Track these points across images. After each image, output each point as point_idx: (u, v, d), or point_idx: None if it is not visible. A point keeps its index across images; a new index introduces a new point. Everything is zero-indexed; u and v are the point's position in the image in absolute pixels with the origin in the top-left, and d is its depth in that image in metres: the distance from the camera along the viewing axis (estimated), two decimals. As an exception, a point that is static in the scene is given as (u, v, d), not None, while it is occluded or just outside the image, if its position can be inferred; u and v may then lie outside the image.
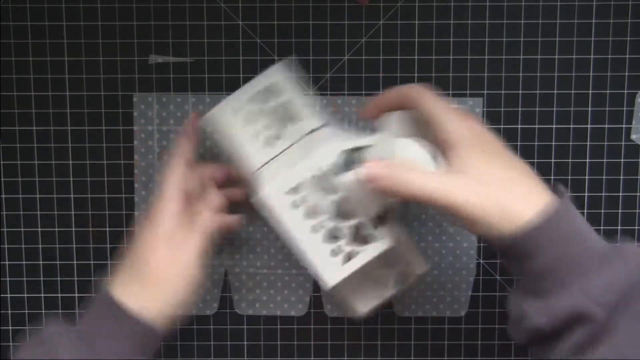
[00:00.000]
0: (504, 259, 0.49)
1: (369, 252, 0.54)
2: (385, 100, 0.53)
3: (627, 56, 0.62)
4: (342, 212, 0.54)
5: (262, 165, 0.56)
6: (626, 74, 0.62)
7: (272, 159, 0.56)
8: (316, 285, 0.64)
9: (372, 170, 0.49)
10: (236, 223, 0.60)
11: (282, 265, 0.64)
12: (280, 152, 0.56)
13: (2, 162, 0.63)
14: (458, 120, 0.49)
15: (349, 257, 0.54)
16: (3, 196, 0.63)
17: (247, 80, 0.61)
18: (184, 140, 0.58)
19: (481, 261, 0.63)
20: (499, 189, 0.47)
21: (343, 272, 0.54)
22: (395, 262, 0.58)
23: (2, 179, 0.63)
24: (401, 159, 0.50)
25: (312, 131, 0.56)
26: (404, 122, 0.53)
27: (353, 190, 0.53)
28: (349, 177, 0.52)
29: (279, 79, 0.56)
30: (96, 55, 0.62)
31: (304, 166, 0.54)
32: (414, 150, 0.50)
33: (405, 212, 0.62)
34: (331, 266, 0.54)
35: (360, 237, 0.54)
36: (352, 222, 0.54)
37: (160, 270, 0.54)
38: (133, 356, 0.52)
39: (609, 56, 0.62)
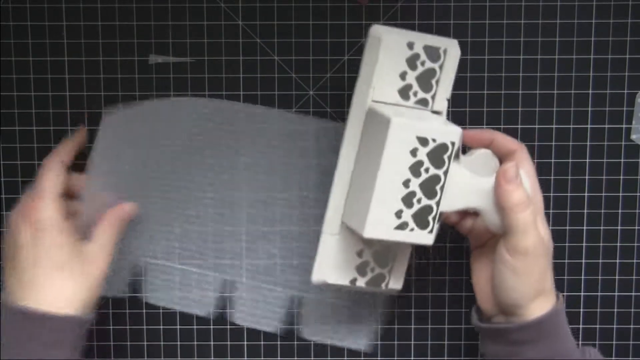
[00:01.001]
0: (488, 333, 0.58)
1: (411, 236, 0.53)
2: (488, 137, 0.58)
3: (627, 56, 0.62)
4: (431, 191, 0.53)
5: (382, 102, 0.55)
6: (626, 74, 0.62)
7: (393, 104, 0.55)
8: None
9: (513, 173, 0.54)
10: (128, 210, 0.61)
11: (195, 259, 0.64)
12: (403, 105, 0.55)
13: (2, 162, 0.63)
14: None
15: (399, 225, 0.53)
16: (3, 196, 0.63)
17: (247, 80, 0.62)
18: (67, 143, 0.60)
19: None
20: (537, 283, 0.55)
21: (383, 232, 0.53)
22: (384, 263, 0.58)
23: (2, 179, 0.63)
24: None
25: (434, 112, 0.56)
26: (486, 159, 0.57)
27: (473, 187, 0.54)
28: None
29: (452, 50, 0.56)
30: (96, 55, 0.62)
31: (439, 129, 0.52)
32: (526, 182, 0.55)
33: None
34: (381, 221, 0.52)
35: (420, 218, 0.53)
36: (433, 201, 0.53)
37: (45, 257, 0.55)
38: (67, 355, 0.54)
39: (609, 56, 0.62)
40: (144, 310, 0.64)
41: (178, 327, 0.64)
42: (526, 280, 0.54)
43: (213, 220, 0.62)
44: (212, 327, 0.64)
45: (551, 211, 0.63)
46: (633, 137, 0.63)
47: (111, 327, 0.64)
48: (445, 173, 0.53)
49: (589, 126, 0.63)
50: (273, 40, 0.62)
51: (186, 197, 0.62)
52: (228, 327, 0.64)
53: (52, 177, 0.57)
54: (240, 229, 0.63)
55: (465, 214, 0.57)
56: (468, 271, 0.64)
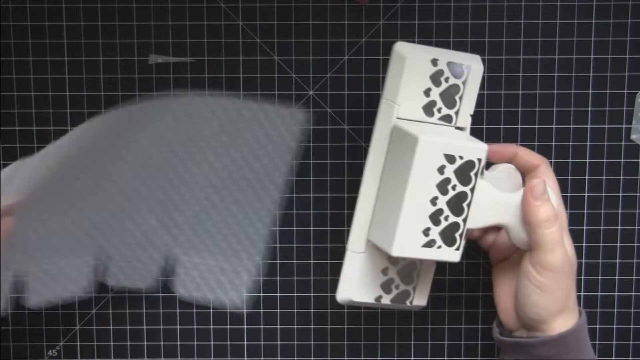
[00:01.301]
0: (509, 348, 0.57)
1: (438, 253, 0.54)
2: (511, 152, 0.58)
3: (627, 56, 0.62)
4: (458, 208, 0.53)
5: (407, 119, 0.55)
6: (626, 74, 0.62)
7: (418, 121, 0.55)
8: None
9: (541, 189, 0.54)
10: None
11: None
12: (427, 122, 0.56)
13: (2, 162, 0.63)
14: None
15: (427, 243, 0.53)
16: (3, 196, 0.63)
17: (247, 79, 0.62)
18: None
19: (481, 260, 0.64)
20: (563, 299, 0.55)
21: (411, 250, 0.53)
22: (409, 280, 0.58)
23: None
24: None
25: (457, 128, 0.56)
26: (510, 174, 0.57)
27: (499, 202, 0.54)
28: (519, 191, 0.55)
29: (475, 66, 0.56)
30: (96, 55, 0.62)
31: (466, 146, 0.53)
32: (552, 198, 0.55)
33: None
34: (409, 239, 0.53)
35: (447, 236, 0.54)
36: (460, 218, 0.53)
37: None
38: None
39: (609, 56, 0.62)
40: (144, 311, 0.64)
41: (178, 327, 0.64)
42: (551, 296, 0.54)
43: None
44: (212, 327, 0.64)
45: (551, 211, 0.63)
46: (633, 137, 0.63)
47: (111, 327, 0.64)
48: (472, 190, 0.53)
49: (589, 126, 0.63)
50: (273, 40, 0.62)
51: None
52: (228, 327, 0.64)
53: None
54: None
55: (488, 229, 0.57)
56: (467, 271, 0.64)
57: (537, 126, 0.63)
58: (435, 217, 0.53)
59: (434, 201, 0.53)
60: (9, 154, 0.63)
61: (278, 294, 0.64)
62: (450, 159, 0.52)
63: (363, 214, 0.56)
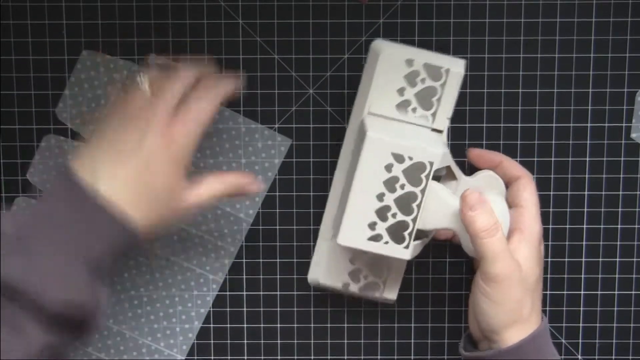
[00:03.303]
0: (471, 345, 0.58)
1: (386, 249, 0.54)
2: (495, 160, 0.58)
3: (627, 55, 0.62)
4: (407, 207, 0.54)
5: (378, 115, 0.56)
6: (626, 72, 0.62)
7: (390, 118, 0.56)
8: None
9: (474, 198, 0.53)
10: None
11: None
12: (400, 120, 0.56)
13: (2, 161, 0.63)
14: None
15: (373, 237, 0.54)
16: (3, 195, 0.63)
17: (247, 78, 0.62)
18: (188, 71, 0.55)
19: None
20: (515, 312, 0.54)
21: (356, 241, 0.54)
22: (378, 272, 0.59)
23: (2, 178, 0.63)
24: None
25: (434, 130, 0.57)
26: (491, 181, 0.58)
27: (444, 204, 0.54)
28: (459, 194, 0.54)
29: (455, 70, 0.56)
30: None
31: (417, 147, 0.53)
32: (501, 208, 0.55)
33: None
34: (354, 231, 0.53)
35: (394, 233, 0.54)
36: (409, 217, 0.53)
37: (154, 162, 0.51)
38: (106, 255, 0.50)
39: (609, 55, 0.62)
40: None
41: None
42: (500, 307, 0.53)
43: None
44: (212, 326, 0.64)
45: (551, 210, 0.63)
46: (633, 135, 0.63)
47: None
48: (423, 191, 0.53)
49: (589, 125, 0.63)
50: (273, 38, 0.62)
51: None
52: (228, 326, 0.64)
53: (180, 86, 0.53)
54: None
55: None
56: (468, 270, 0.64)
57: (537, 125, 0.63)
58: (381, 213, 0.53)
59: (380, 197, 0.53)
60: (9, 153, 0.63)
61: (278, 293, 0.64)
62: (399, 158, 0.53)
63: (331, 204, 0.59)
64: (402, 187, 0.53)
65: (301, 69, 0.62)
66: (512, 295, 0.53)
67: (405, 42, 0.61)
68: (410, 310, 0.64)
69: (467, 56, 0.62)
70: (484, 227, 0.52)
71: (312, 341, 0.65)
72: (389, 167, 0.53)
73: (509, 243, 0.54)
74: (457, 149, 0.61)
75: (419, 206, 0.53)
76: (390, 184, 0.53)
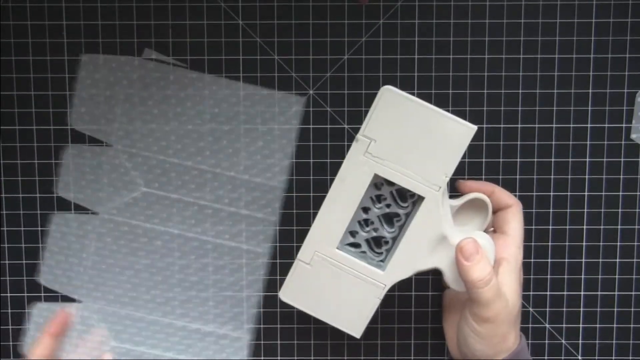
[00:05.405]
0: None
1: (362, 258, 0.56)
2: (487, 190, 0.58)
3: (627, 55, 0.62)
4: (388, 225, 0.55)
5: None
6: (626, 73, 0.62)
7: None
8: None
9: (471, 249, 0.54)
10: None
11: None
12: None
13: (2, 161, 0.63)
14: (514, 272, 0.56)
15: (351, 243, 0.55)
16: (3, 195, 0.63)
17: (247, 79, 0.62)
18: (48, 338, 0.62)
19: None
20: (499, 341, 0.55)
21: (331, 256, 0.55)
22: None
23: (2, 179, 0.63)
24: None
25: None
26: (479, 205, 0.57)
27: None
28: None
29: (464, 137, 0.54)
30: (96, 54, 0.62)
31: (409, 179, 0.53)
32: (486, 241, 0.55)
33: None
34: (329, 235, 0.55)
35: (373, 247, 0.56)
36: (390, 236, 0.55)
37: None
38: None
39: (609, 55, 0.62)
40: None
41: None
42: (487, 341, 0.55)
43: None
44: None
45: (551, 210, 0.63)
46: (633, 136, 0.63)
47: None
48: (407, 215, 0.55)
49: (588, 125, 0.63)
50: (273, 39, 0.62)
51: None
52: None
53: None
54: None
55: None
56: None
57: (537, 125, 0.63)
58: (362, 225, 0.55)
59: (366, 210, 0.55)
60: (9, 153, 0.63)
61: (278, 293, 0.64)
62: (388, 180, 0.54)
63: (317, 228, 0.56)
64: (388, 206, 0.55)
65: (301, 69, 0.62)
66: (499, 331, 0.55)
67: (405, 42, 0.61)
68: (410, 311, 0.64)
69: (467, 56, 0.62)
70: (481, 277, 0.53)
71: (312, 341, 0.65)
72: (378, 185, 0.54)
73: (497, 274, 0.55)
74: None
75: (401, 227, 0.55)
76: (376, 200, 0.55)
